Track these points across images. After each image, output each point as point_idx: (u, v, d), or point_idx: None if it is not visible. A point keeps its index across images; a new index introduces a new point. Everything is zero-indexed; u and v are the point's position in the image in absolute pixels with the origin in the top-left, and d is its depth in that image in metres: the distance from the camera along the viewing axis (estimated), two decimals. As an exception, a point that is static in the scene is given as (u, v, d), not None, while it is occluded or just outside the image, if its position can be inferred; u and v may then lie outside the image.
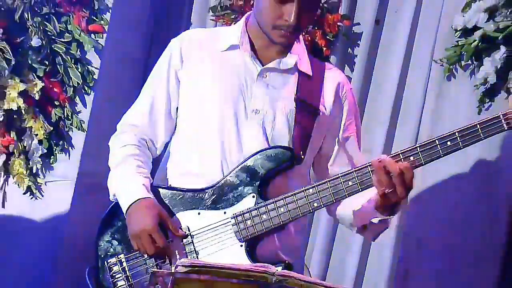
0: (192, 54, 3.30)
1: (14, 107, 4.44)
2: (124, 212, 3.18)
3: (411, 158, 2.98)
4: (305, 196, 3.07)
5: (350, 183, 3.03)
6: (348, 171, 3.07)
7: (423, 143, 2.98)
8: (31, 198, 4.56)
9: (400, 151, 3.00)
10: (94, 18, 4.49)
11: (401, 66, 4.32)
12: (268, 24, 3.15)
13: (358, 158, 3.29)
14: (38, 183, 4.55)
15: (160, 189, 3.25)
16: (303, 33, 4.07)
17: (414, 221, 4.17)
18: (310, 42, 4.22)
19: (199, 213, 3.16)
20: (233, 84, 3.22)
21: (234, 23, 3.96)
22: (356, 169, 3.04)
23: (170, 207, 3.21)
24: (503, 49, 3.94)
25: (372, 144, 4.21)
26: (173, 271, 2.56)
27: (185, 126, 3.32)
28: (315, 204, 3.08)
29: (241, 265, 2.78)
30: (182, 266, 2.55)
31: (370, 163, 2.98)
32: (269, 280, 2.53)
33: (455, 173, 4.11)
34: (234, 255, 3.09)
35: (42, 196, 4.56)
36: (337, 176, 3.06)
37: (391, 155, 2.98)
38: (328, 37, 4.31)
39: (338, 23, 4.33)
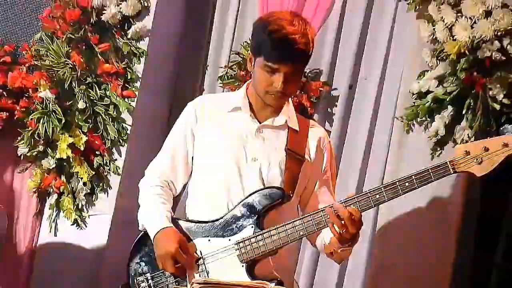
0: (204, 114, 3.37)
1: (64, 156, 4.44)
2: (152, 238, 3.23)
3: (377, 196, 3.04)
4: (292, 226, 3.11)
5: (320, 218, 3.08)
6: (325, 206, 3.09)
7: (387, 184, 3.05)
8: (77, 228, 4.54)
9: (368, 190, 3.06)
10: (127, 86, 4.50)
11: (369, 122, 4.32)
12: (262, 90, 3.22)
13: (329, 199, 3.32)
14: (82, 216, 4.54)
15: (179, 221, 3.29)
16: (292, 96, 4.04)
17: (379, 247, 4.16)
18: (298, 103, 4.20)
19: (209, 240, 3.22)
20: (237, 138, 3.29)
21: (237, 89, 4.11)
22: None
23: (187, 235, 3.24)
24: (450, 108, 4.02)
25: (348, 183, 4.22)
26: (189, 287, 2.70)
27: (199, 170, 3.38)
28: (301, 233, 3.11)
29: (243, 282, 2.93)
30: (197, 283, 2.67)
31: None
32: None
33: (413, 208, 4.09)
34: (237, 274, 3.12)
35: (86, 227, 4.54)
36: (320, 210, 3.10)
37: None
38: (311, 100, 4.32)
39: (320, 88, 4.34)
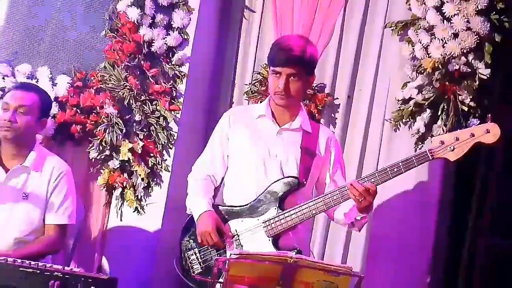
0: (236, 121, 3.46)
1: (126, 158, 4.47)
2: (196, 220, 3.34)
3: (372, 180, 3.13)
4: (307, 207, 3.22)
5: (335, 197, 3.18)
6: (333, 190, 3.22)
7: (380, 170, 3.16)
8: (138, 214, 4.55)
9: (365, 176, 3.18)
10: (173, 101, 4.50)
11: (365, 124, 4.33)
12: (272, 92, 3.32)
13: (342, 182, 3.35)
14: (141, 205, 4.54)
15: (219, 206, 3.38)
16: (305, 105, 4.14)
17: (375, 222, 4.19)
18: (308, 111, 4.14)
19: (242, 221, 3.32)
20: (262, 139, 3.38)
21: (260, 102, 4.17)
22: (338, 189, 3.21)
23: (225, 217, 3.33)
24: (428, 111, 4.07)
25: (349, 172, 4.02)
26: (228, 258, 2.72)
27: (233, 166, 3.47)
28: (313, 212, 3.23)
29: (271, 252, 2.97)
30: (234, 254, 2.68)
31: (345, 185, 3.16)
32: (289, 261, 2.64)
33: (400, 188, 4.14)
34: (265, 247, 3.21)
35: (144, 213, 4.54)
36: (327, 193, 3.24)
37: (361, 179, 3.16)
38: (318, 108, 4.33)
39: (324, 99, 4.35)
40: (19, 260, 2.92)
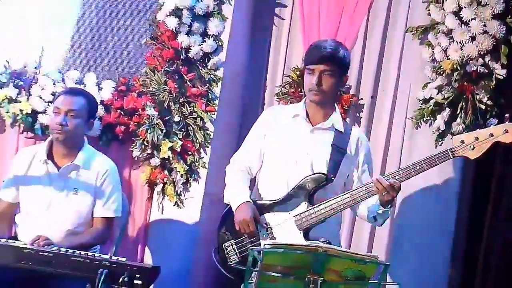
0: (272, 120, 3.48)
1: (166, 156, 4.47)
2: (234, 210, 3.33)
3: (396, 177, 3.12)
4: (335, 202, 3.22)
5: (361, 193, 3.19)
6: (360, 186, 3.23)
7: (403, 168, 3.16)
8: (178, 208, 4.56)
9: (389, 173, 3.19)
10: (209, 103, 4.52)
11: (388, 122, 4.31)
12: (307, 90, 3.33)
13: (369, 180, 3.32)
14: (181, 199, 4.55)
15: (253, 200, 3.38)
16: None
17: (399, 214, 4.21)
18: None
19: (274, 214, 3.33)
20: (295, 137, 3.38)
21: (289, 103, 4.18)
22: (364, 185, 3.21)
23: (259, 210, 3.34)
24: (447, 109, 4.06)
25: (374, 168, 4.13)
26: (263, 247, 2.72)
27: (267, 162, 3.48)
28: (341, 207, 3.23)
29: (302, 243, 3.02)
30: (268, 244, 2.69)
31: (372, 181, 3.16)
32: (319, 250, 2.64)
33: (423, 186, 4.14)
34: (296, 239, 3.22)
35: (184, 207, 4.55)
36: (354, 189, 3.24)
37: (385, 176, 3.17)
38: (344, 108, 4.31)
39: (350, 99, 4.34)
40: (70, 250, 2.97)
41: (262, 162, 3.50)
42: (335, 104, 3.48)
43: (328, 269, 2.68)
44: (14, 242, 3.05)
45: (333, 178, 3.31)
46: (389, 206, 3.23)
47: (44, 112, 4.61)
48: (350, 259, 2.66)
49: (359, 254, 2.70)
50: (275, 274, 2.69)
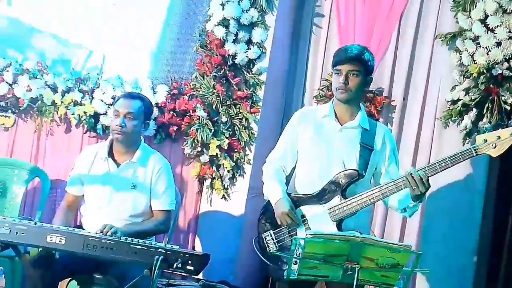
0: (304, 120, 3.42)
1: (214, 154, 4.52)
2: (273, 205, 3.32)
3: (423, 173, 3.06)
4: (366, 196, 3.17)
5: (390, 187, 3.14)
6: (388, 181, 3.18)
7: (430, 164, 3.10)
8: (225, 201, 4.61)
9: (417, 169, 3.11)
10: (253, 105, 4.56)
11: (418, 122, 4.26)
12: (334, 89, 3.29)
13: (396, 173, 3.33)
14: (228, 193, 4.60)
15: (290, 194, 3.35)
16: (366, 106, 4.13)
17: (428, 206, 4.15)
18: (369, 111, 4.20)
19: (310, 207, 3.29)
20: (326, 136, 3.33)
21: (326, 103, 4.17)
22: (393, 180, 3.16)
23: (295, 204, 3.31)
24: (474, 110, 4.02)
25: (404, 165, 4.02)
26: (305, 237, 2.72)
27: (301, 159, 3.42)
28: (372, 200, 3.19)
29: (339, 232, 3.01)
30: (310, 234, 2.70)
31: (403, 176, 3.11)
32: (356, 240, 2.65)
33: (452, 179, 4.11)
34: (330, 229, 3.16)
35: (230, 199, 4.60)
36: (383, 184, 3.19)
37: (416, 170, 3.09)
38: (377, 109, 4.31)
39: (383, 101, 4.32)
40: (130, 239, 2.99)
41: (295, 160, 3.44)
42: (361, 104, 3.45)
43: (365, 257, 2.68)
44: (80, 231, 3.08)
45: (364, 174, 3.28)
46: (419, 201, 3.19)
47: (105, 114, 4.69)
48: (385, 248, 2.65)
49: (393, 244, 2.68)
50: (316, 262, 2.70)
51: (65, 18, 4.76)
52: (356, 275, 2.69)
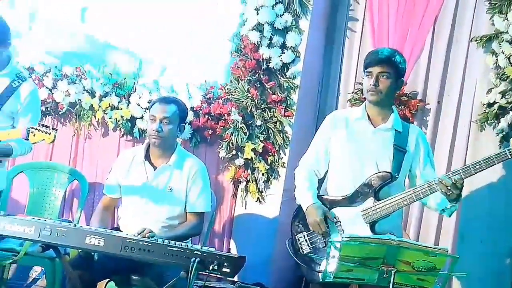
0: (337, 123, 3.42)
1: (249, 157, 4.51)
2: (304, 210, 3.34)
3: (457, 175, 3.06)
4: (400, 198, 3.17)
5: (423, 190, 3.13)
6: (422, 183, 3.16)
7: (464, 167, 3.09)
8: (259, 204, 4.60)
9: (451, 172, 3.12)
10: (288, 109, 4.54)
11: (453, 125, 4.24)
12: (365, 91, 3.29)
13: (432, 174, 3.31)
14: (262, 195, 4.58)
15: (323, 197, 3.37)
16: (400, 110, 4.12)
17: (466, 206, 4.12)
18: (403, 114, 4.18)
19: (343, 209, 3.29)
20: (359, 138, 3.33)
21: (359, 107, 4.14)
22: (427, 182, 3.14)
23: (328, 206, 3.31)
24: (511, 113, 3.97)
25: (439, 167, 3.97)
26: (341, 239, 2.73)
27: (334, 162, 3.42)
28: (405, 202, 3.18)
29: (376, 236, 3.00)
30: (345, 237, 2.71)
31: (434, 180, 3.11)
32: (392, 243, 2.65)
33: (486, 182, 4.08)
34: (363, 232, 3.15)
35: (265, 202, 4.58)
36: (417, 186, 3.18)
37: (445, 175, 3.10)
38: (412, 112, 4.27)
39: (417, 104, 4.29)
40: (167, 241, 3.01)
41: (328, 163, 3.45)
42: (393, 106, 3.43)
43: (400, 260, 2.66)
44: (118, 233, 3.11)
45: (397, 176, 3.26)
46: (456, 202, 3.16)
47: (141, 117, 4.73)
48: (421, 251, 2.63)
49: (430, 247, 2.66)
50: (352, 264, 2.68)
51: (139, 34, 4.86)
52: (392, 278, 2.68)
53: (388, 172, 3.25)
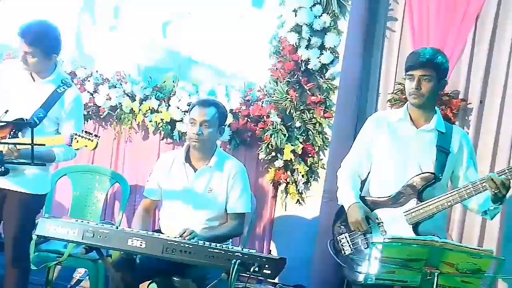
0: (379, 125, 3.40)
1: (288, 159, 4.52)
2: (346, 210, 3.33)
3: (503, 175, 3.01)
4: (444, 199, 3.12)
5: (468, 190, 3.08)
6: (467, 184, 3.12)
7: (509, 167, 3.05)
8: (299, 205, 4.61)
9: (496, 172, 3.06)
10: (327, 110, 4.54)
11: (496, 125, 4.16)
12: (407, 94, 3.25)
13: (475, 176, 3.26)
14: (302, 197, 4.60)
15: (365, 198, 3.35)
16: (441, 110, 4.01)
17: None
18: (445, 114, 4.10)
19: (385, 210, 3.26)
20: (401, 140, 3.30)
21: (400, 108, 4.09)
22: (471, 183, 3.09)
23: (370, 207, 3.29)
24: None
25: (482, 167, 3.99)
26: (382, 241, 2.72)
27: (376, 163, 3.41)
28: (449, 203, 3.13)
29: (418, 237, 2.96)
30: (388, 239, 2.69)
31: (482, 179, 3.06)
32: (435, 244, 2.61)
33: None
34: (406, 232, 3.14)
35: (305, 204, 4.60)
36: (461, 187, 3.13)
37: (496, 172, 3.04)
38: (453, 112, 4.21)
39: (459, 104, 4.22)
40: (207, 243, 3.03)
41: (370, 165, 3.44)
42: (436, 107, 3.38)
43: (444, 262, 2.63)
44: (159, 235, 3.13)
45: (440, 177, 3.23)
46: (500, 203, 3.11)
47: (181, 120, 4.77)
48: (466, 253, 2.59)
49: (474, 248, 2.62)
50: (394, 266, 2.66)
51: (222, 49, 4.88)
52: (435, 280, 2.64)
53: (431, 173, 3.22)
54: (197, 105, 3.68)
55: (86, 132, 3.26)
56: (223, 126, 3.77)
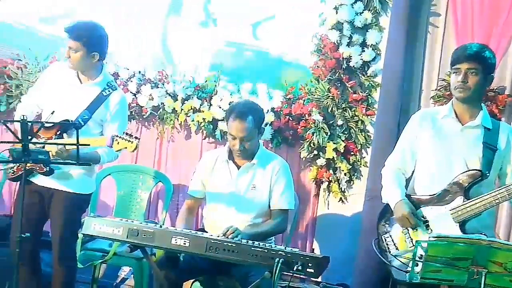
0: (423, 122, 3.36)
1: (331, 157, 4.49)
2: (392, 208, 3.30)
3: None
4: (491, 196, 3.07)
5: None
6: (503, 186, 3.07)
7: None
8: (342, 203, 4.59)
9: None
10: (369, 108, 4.50)
11: None
12: (453, 88, 3.21)
13: None
14: (345, 195, 4.57)
15: (411, 196, 3.31)
16: (487, 105, 3.94)
17: None
18: (490, 110, 4.03)
19: (431, 208, 3.23)
20: (446, 137, 3.26)
21: (443, 105, 4.05)
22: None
23: (416, 205, 3.26)
24: None
25: None
26: (428, 239, 2.66)
27: (421, 160, 3.37)
28: (497, 201, 3.07)
29: (464, 235, 2.93)
30: (433, 237, 2.64)
31: None
32: (482, 243, 2.57)
33: None
34: (453, 231, 3.10)
35: (347, 202, 4.57)
36: (509, 184, 3.07)
37: None
38: (499, 108, 4.16)
39: (505, 99, 4.17)
40: (251, 242, 3.04)
41: (415, 163, 3.41)
42: (482, 103, 3.33)
43: (492, 261, 2.58)
44: (203, 234, 3.15)
45: (488, 174, 3.18)
46: None
47: (223, 119, 4.75)
48: (515, 252, 2.53)
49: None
50: (439, 265, 2.62)
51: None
52: (482, 279, 2.60)
53: (478, 170, 3.18)
54: (233, 119, 3.59)
55: (126, 134, 3.31)
56: (263, 127, 3.75)
